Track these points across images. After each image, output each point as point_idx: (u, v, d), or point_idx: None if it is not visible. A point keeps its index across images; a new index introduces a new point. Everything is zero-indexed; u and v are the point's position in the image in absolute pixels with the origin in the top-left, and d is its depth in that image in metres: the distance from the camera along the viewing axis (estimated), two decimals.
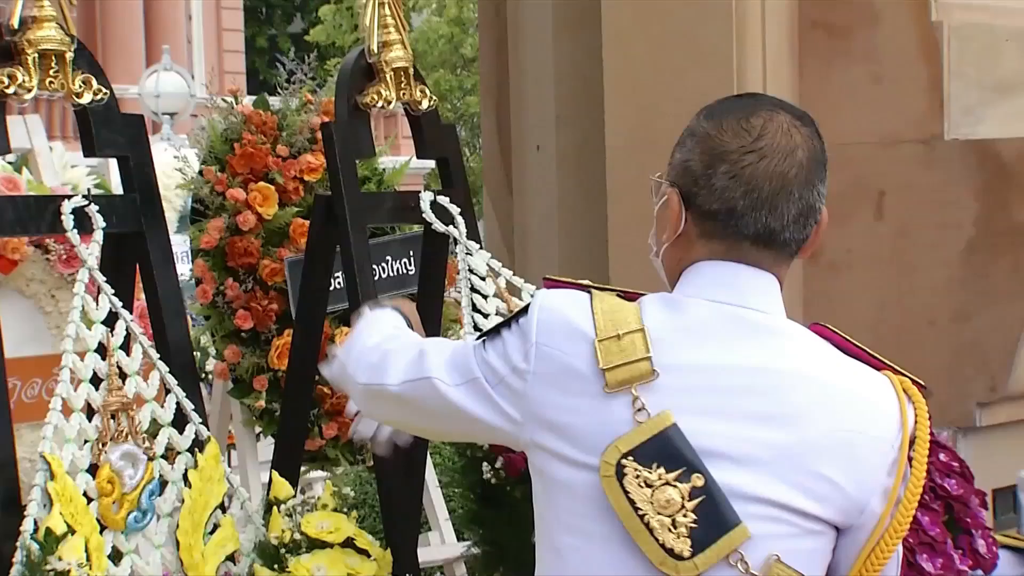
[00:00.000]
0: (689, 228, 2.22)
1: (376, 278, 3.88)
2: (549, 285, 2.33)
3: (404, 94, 3.54)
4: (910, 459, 2.15)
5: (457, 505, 5.50)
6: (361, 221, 3.45)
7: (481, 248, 3.50)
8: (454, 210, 3.51)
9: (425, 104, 3.60)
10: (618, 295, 2.24)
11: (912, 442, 2.16)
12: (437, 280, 3.73)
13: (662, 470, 2.09)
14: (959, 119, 3.52)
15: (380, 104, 3.50)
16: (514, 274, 4.18)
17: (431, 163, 3.84)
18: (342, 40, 23.68)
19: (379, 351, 2.41)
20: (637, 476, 2.10)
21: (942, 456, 2.98)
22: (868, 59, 3.59)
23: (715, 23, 3.58)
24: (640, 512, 2.09)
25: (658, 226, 2.26)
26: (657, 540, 2.08)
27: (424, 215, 3.50)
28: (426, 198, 3.52)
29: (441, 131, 3.69)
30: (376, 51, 3.50)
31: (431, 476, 4.63)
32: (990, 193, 3.45)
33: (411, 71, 3.56)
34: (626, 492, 2.09)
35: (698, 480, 2.08)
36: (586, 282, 2.31)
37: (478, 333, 2.33)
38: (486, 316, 3.40)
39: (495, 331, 2.24)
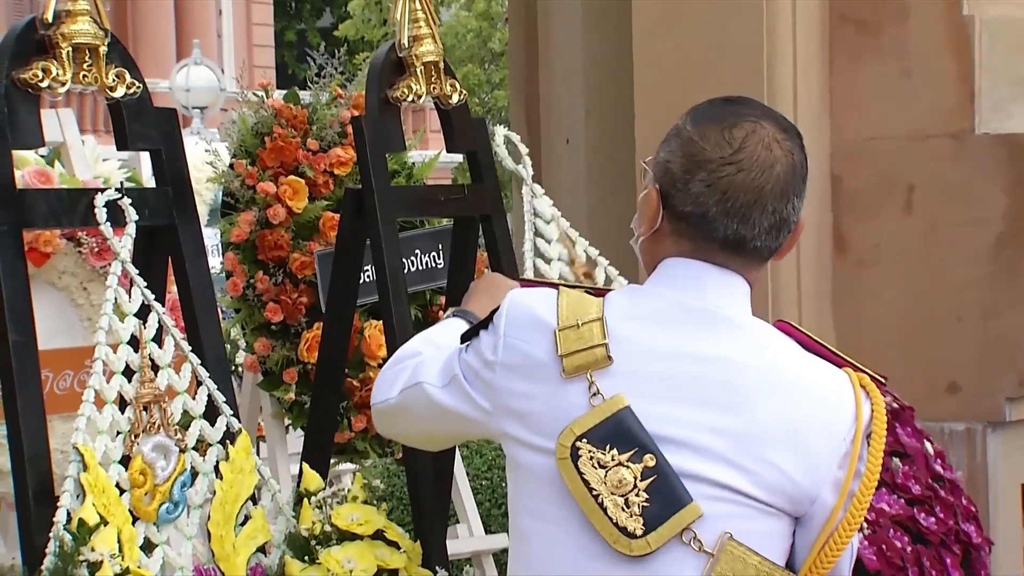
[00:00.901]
0: (663, 225, 2.28)
1: (405, 271, 3.87)
2: (524, 285, 2.43)
3: (434, 88, 3.54)
4: (865, 454, 2.20)
5: (485, 498, 5.51)
6: (391, 214, 3.45)
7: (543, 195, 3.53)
8: (523, 150, 3.50)
9: (455, 98, 3.60)
10: (586, 291, 2.31)
11: (868, 437, 2.20)
12: (467, 271, 3.73)
13: (615, 451, 2.15)
14: (989, 114, 3.50)
15: (411, 98, 3.50)
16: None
17: (459, 157, 3.85)
18: (371, 35, 23.69)
19: (392, 370, 2.49)
20: (591, 457, 2.16)
21: (963, 499, 3.00)
22: (898, 54, 3.58)
23: (745, 17, 3.57)
24: (594, 492, 2.15)
25: (639, 215, 2.32)
26: (611, 519, 2.13)
27: (496, 150, 3.51)
28: (500, 133, 3.52)
29: (471, 125, 3.69)
30: (407, 45, 3.50)
31: (460, 468, 4.63)
32: (1020, 188, 3.43)
33: (441, 65, 3.56)
34: (581, 473, 2.15)
35: (650, 460, 2.14)
36: (558, 281, 2.37)
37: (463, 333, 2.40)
38: (548, 262, 3.40)
39: (475, 332, 2.32)
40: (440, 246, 4.89)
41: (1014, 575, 3.48)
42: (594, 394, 2.18)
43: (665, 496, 2.13)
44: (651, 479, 2.14)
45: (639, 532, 2.13)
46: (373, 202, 3.41)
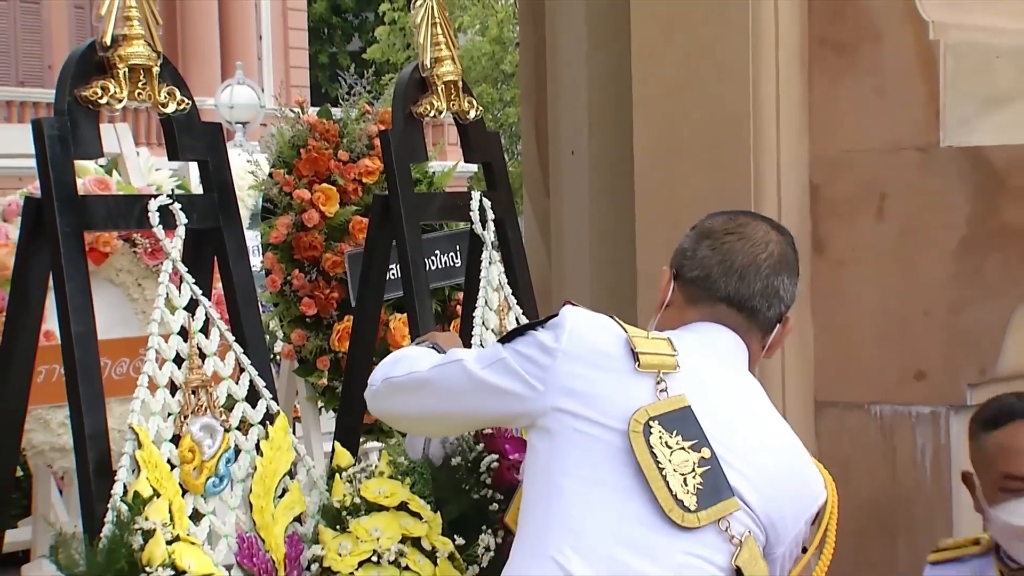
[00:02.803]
0: (676, 297, 2.49)
1: (427, 269, 3.87)
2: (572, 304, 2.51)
3: (453, 105, 3.54)
4: (824, 537, 2.40)
5: None
6: (414, 219, 3.44)
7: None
8: (489, 215, 3.49)
9: (472, 114, 3.59)
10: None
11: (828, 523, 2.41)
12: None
13: (679, 437, 2.28)
14: (954, 128, 3.49)
15: (432, 113, 3.50)
16: (550, 265, 4.18)
17: (474, 167, 3.84)
18: (396, 57, 23.69)
19: (403, 354, 2.62)
20: (660, 437, 2.28)
21: None
22: (872, 74, 3.56)
23: (733, 41, 3.56)
24: (660, 465, 2.26)
25: (657, 301, 2.54)
26: (671, 491, 2.24)
27: (471, 213, 3.49)
28: (476, 198, 3.51)
29: (486, 138, 3.68)
30: (429, 66, 3.49)
31: None
32: (982, 196, 3.42)
33: (460, 84, 3.55)
34: (650, 447, 2.26)
35: (706, 452, 2.27)
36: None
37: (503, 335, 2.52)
38: (487, 328, 3.38)
39: (521, 331, 2.44)
40: (458, 247, 4.90)
41: None
42: (662, 389, 2.31)
43: (715, 484, 2.26)
44: (706, 468, 2.26)
45: (693, 507, 2.24)
46: (398, 207, 3.40)
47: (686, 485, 2.24)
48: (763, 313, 2.43)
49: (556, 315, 2.40)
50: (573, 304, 2.48)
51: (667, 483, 2.23)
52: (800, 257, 2.54)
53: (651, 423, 2.27)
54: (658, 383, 2.31)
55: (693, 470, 2.25)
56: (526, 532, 2.36)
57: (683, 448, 2.26)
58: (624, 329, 2.37)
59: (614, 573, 2.20)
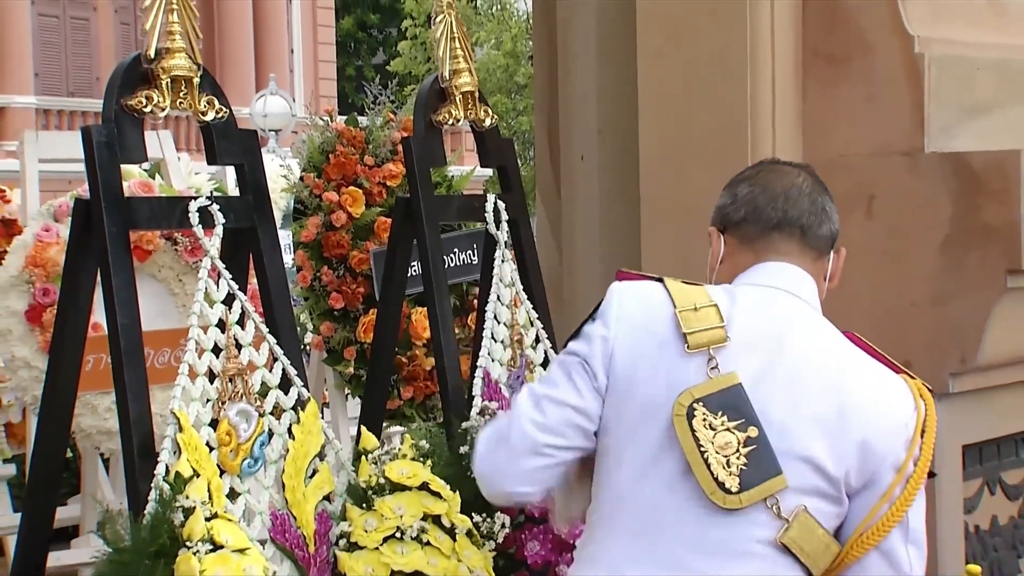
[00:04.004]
0: (729, 249, 2.33)
1: (446, 267, 3.86)
2: (621, 277, 2.33)
3: (470, 113, 3.53)
4: (920, 443, 2.18)
5: None
6: (434, 219, 3.44)
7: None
8: (504, 216, 3.48)
9: (488, 122, 3.59)
10: (683, 282, 2.28)
11: (923, 432, 2.19)
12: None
13: (725, 418, 2.13)
14: (938, 135, 3.47)
15: (451, 121, 3.49)
16: (561, 263, 4.17)
17: (490, 171, 3.83)
18: (417, 70, 23.68)
19: (490, 430, 2.35)
20: (704, 419, 2.13)
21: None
22: (862, 83, 3.55)
23: (732, 52, 3.55)
24: (702, 448, 2.12)
25: (710, 262, 2.38)
26: (712, 473, 2.11)
27: (487, 214, 3.49)
28: (491, 200, 3.50)
29: (501, 144, 3.68)
30: (448, 77, 3.48)
31: None
32: (963, 197, 3.40)
33: (477, 94, 3.54)
34: (693, 430, 2.12)
35: (752, 432, 2.12)
36: (655, 276, 2.33)
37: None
38: (498, 321, 3.36)
39: (576, 332, 2.29)
40: (475, 245, 4.89)
41: (955, 523, 3.45)
42: (713, 368, 2.16)
43: (762, 463, 2.11)
44: (752, 447, 2.12)
45: (735, 489, 2.11)
46: (419, 209, 3.39)
47: (728, 467, 2.11)
48: (815, 231, 2.28)
49: (606, 296, 2.27)
50: (625, 273, 2.34)
51: (708, 466, 2.11)
52: None
53: (695, 405, 2.13)
54: (709, 360, 2.16)
55: (737, 450, 2.11)
56: (592, 535, 2.27)
57: (728, 429, 2.12)
58: (673, 301, 2.21)
59: (673, 572, 2.13)
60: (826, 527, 2.14)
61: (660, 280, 2.28)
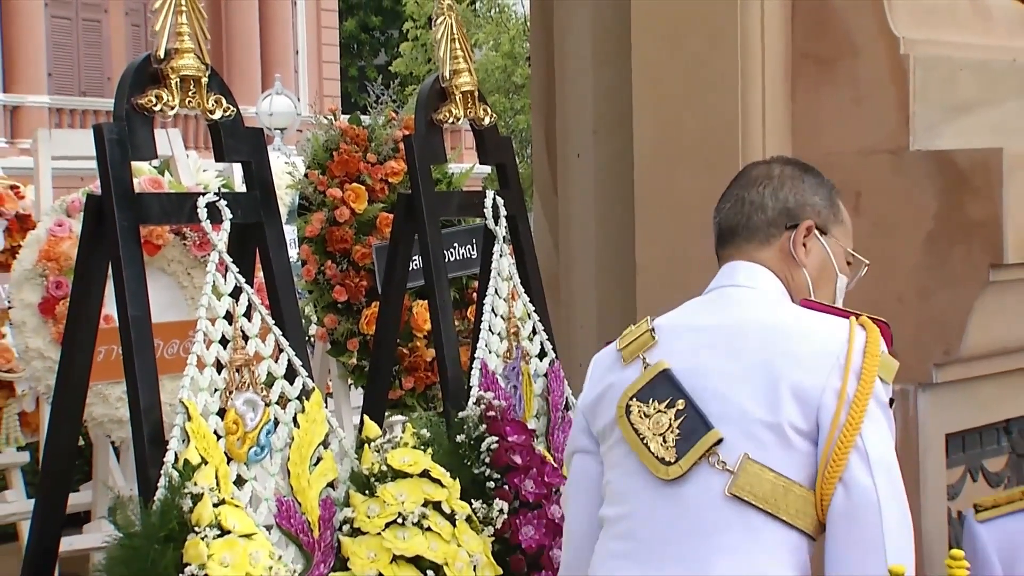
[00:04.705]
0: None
1: (446, 261, 3.86)
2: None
3: (470, 112, 3.53)
4: (860, 363, 2.16)
5: None
6: (435, 215, 3.43)
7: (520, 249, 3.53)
8: (502, 212, 3.48)
9: (487, 120, 3.58)
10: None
11: (864, 354, 2.17)
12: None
13: (655, 403, 2.23)
14: (922, 134, 3.47)
15: (451, 120, 3.49)
16: (558, 258, 4.16)
17: (488, 168, 3.83)
18: (418, 70, 23.66)
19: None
20: (639, 411, 2.24)
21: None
22: (849, 84, 3.54)
23: (723, 55, 3.54)
24: (641, 436, 2.22)
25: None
26: (653, 454, 2.20)
27: (486, 210, 3.49)
28: (490, 196, 3.50)
29: (500, 142, 3.67)
30: (448, 77, 3.48)
31: None
32: (947, 194, 3.40)
33: (476, 93, 3.54)
34: (632, 424, 2.24)
35: (680, 404, 2.21)
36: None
37: None
38: (496, 314, 3.36)
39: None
40: (474, 240, 4.89)
41: (939, 508, 3.45)
42: (645, 366, 2.28)
43: (692, 427, 2.18)
44: (682, 418, 2.20)
45: (672, 459, 2.18)
46: (420, 205, 3.39)
47: (665, 443, 2.19)
48: (745, 224, 2.36)
49: None
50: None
51: (648, 448, 2.20)
52: None
53: (630, 403, 2.25)
54: (642, 362, 2.28)
55: (670, 426, 2.20)
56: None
57: (659, 411, 2.22)
58: (619, 339, 2.37)
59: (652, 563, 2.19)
60: (781, 471, 2.14)
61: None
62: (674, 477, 2.16)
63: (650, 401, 2.23)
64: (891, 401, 2.19)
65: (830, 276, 2.38)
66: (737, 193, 2.38)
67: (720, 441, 2.15)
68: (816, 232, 2.35)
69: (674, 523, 2.18)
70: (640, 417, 2.23)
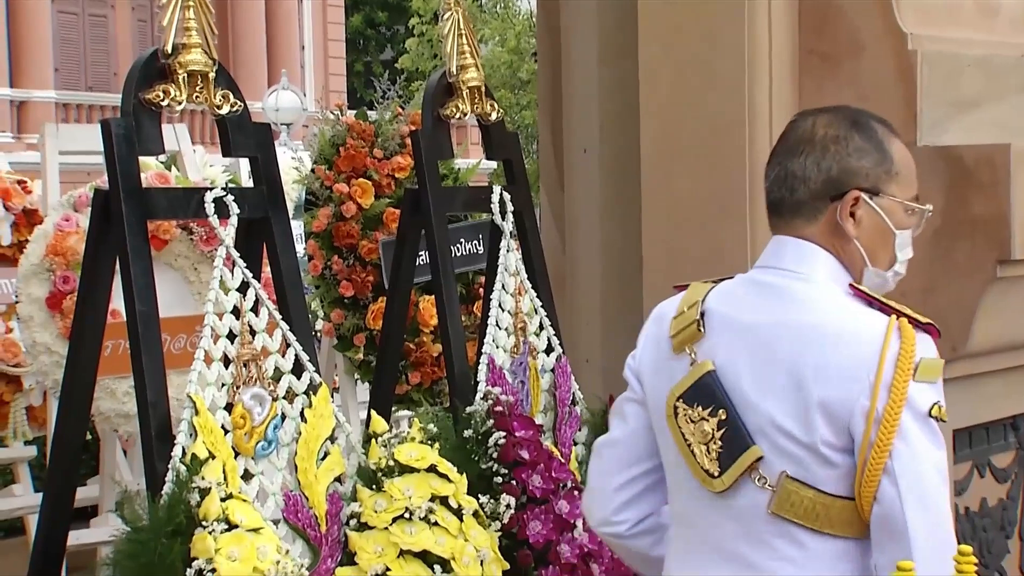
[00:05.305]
0: None
1: (452, 256, 3.86)
2: (678, 289, 2.32)
3: (477, 107, 3.52)
4: (890, 381, 2.03)
5: None
6: (441, 210, 3.43)
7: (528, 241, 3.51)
8: (509, 208, 3.48)
9: (494, 116, 3.57)
10: (707, 281, 2.27)
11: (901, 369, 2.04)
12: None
13: (700, 408, 2.13)
14: (929, 130, 3.46)
15: (458, 115, 3.48)
16: (564, 253, 4.16)
17: (494, 164, 3.83)
18: (424, 66, 23.63)
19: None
20: (685, 414, 2.15)
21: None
22: (855, 81, 3.54)
23: (730, 52, 3.54)
24: (688, 442, 2.14)
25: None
26: (699, 463, 2.12)
27: (492, 205, 3.48)
28: (497, 192, 3.50)
29: (507, 137, 3.67)
30: (455, 72, 3.47)
31: None
32: (953, 190, 3.39)
33: (483, 89, 3.53)
34: (679, 428, 2.15)
35: (722, 414, 2.10)
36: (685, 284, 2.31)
37: None
38: (503, 310, 3.36)
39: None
40: (480, 236, 4.88)
41: None
42: (692, 362, 2.17)
43: (734, 442, 2.09)
44: (724, 429, 2.10)
45: (716, 472, 2.11)
46: (427, 200, 3.39)
47: (709, 453, 2.11)
48: (788, 199, 2.18)
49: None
50: (678, 287, 2.31)
51: (694, 456, 2.13)
52: None
53: (676, 404, 2.16)
54: (690, 357, 2.17)
55: (713, 436, 2.11)
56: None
57: (703, 418, 2.12)
58: (677, 307, 2.23)
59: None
60: (821, 488, 2.06)
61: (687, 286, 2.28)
62: (719, 491, 2.11)
63: (695, 406, 2.14)
64: (935, 406, 2.06)
65: (886, 238, 2.20)
66: (780, 161, 2.20)
67: (761, 458, 2.07)
68: (865, 197, 2.17)
69: (726, 527, 2.13)
70: (686, 422, 2.15)
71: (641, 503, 2.31)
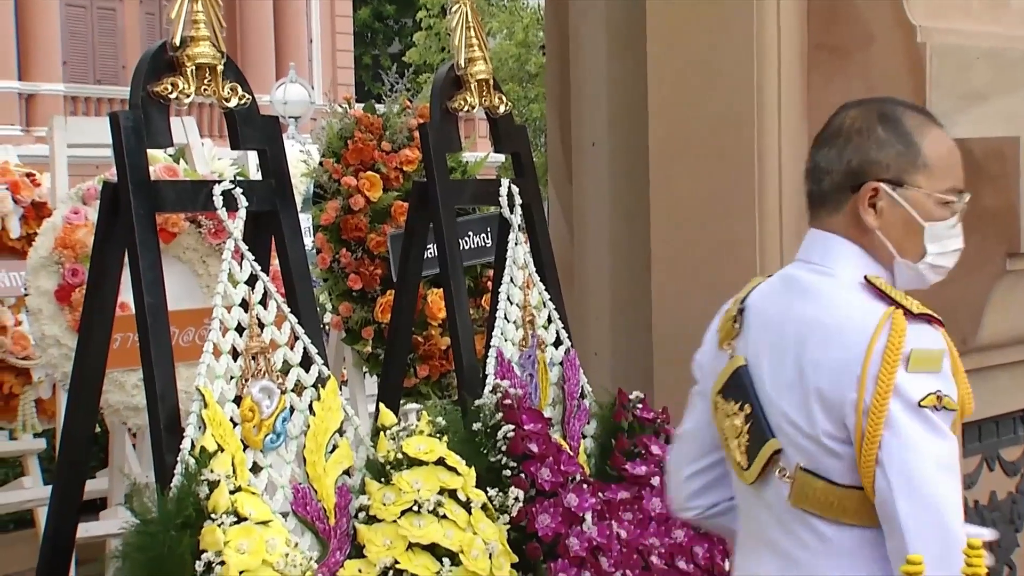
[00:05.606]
0: None
1: (460, 249, 3.86)
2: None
3: (485, 100, 3.52)
4: (876, 372, 2.04)
5: None
6: (450, 203, 3.42)
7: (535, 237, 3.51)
8: (517, 201, 3.47)
9: (502, 108, 3.57)
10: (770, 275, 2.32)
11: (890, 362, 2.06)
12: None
13: (733, 402, 2.18)
14: None
15: (466, 108, 3.48)
16: (572, 246, 4.15)
17: (501, 157, 3.82)
18: (432, 59, 23.65)
19: None
20: (723, 409, 2.21)
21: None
22: (863, 74, 3.52)
23: (739, 44, 3.53)
24: (725, 437, 2.20)
25: None
26: (734, 456, 2.19)
27: (501, 198, 3.48)
28: (505, 185, 3.49)
29: (515, 130, 3.66)
30: (463, 65, 3.47)
31: None
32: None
33: (491, 82, 3.53)
34: (720, 423, 2.22)
35: (748, 408, 2.16)
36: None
37: None
38: (512, 303, 3.35)
39: None
40: (488, 228, 4.88)
41: None
42: (730, 357, 2.22)
43: (757, 435, 2.14)
44: (750, 423, 2.15)
45: (746, 465, 2.16)
46: (435, 193, 3.38)
47: (740, 447, 2.16)
48: (816, 190, 2.21)
49: None
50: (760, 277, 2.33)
51: (730, 451, 2.19)
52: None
53: (717, 399, 2.22)
54: (730, 353, 2.22)
55: (742, 430, 2.15)
56: None
57: (735, 412, 2.17)
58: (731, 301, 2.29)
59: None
60: (832, 479, 2.08)
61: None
62: (750, 483, 2.17)
63: (729, 400, 2.19)
64: (930, 396, 2.04)
65: (913, 230, 2.19)
66: (813, 154, 2.24)
67: (780, 451, 2.12)
68: (886, 188, 2.17)
69: (762, 517, 2.19)
70: (723, 416, 2.21)
71: (710, 492, 2.37)
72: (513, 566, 2.87)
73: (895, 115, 2.21)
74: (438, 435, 2.91)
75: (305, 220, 6.37)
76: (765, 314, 2.20)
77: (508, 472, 2.97)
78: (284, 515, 2.67)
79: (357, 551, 2.75)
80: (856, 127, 2.19)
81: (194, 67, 2.80)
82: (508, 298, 3.34)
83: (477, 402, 3.12)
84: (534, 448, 2.99)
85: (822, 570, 2.09)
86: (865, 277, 2.15)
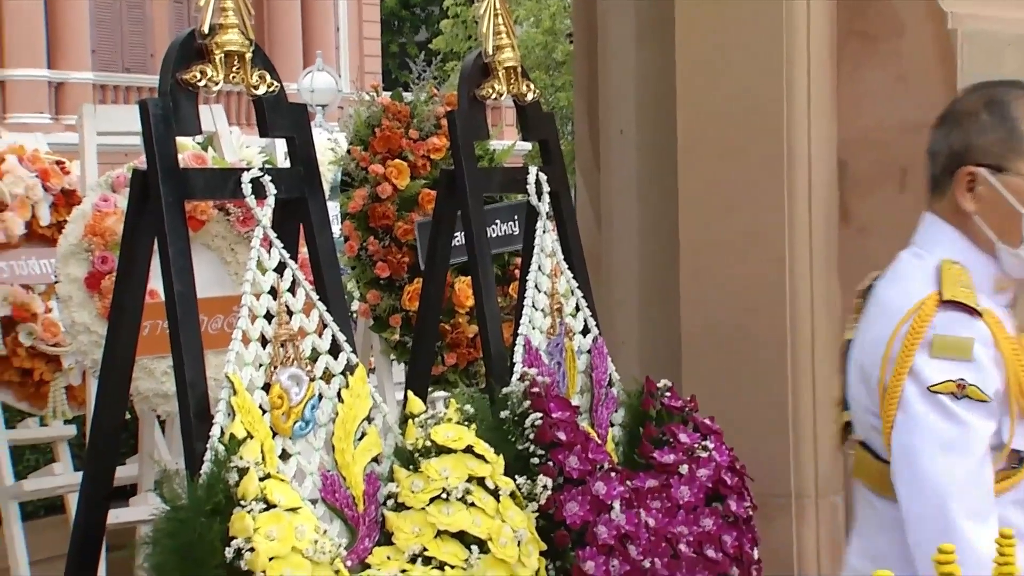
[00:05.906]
0: None
1: (488, 237, 3.85)
2: None
3: (513, 88, 3.50)
4: (896, 355, 2.16)
5: None
6: (478, 191, 3.42)
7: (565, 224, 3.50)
8: (545, 189, 3.46)
9: (530, 96, 3.56)
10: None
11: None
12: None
13: (841, 374, 2.37)
14: None
15: (493, 96, 3.46)
16: (600, 234, 4.15)
17: (528, 145, 3.81)
18: (459, 47, 23.63)
19: None
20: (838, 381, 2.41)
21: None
22: (894, 61, 3.51)
23: (768, 32, 3.51)
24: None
25: None
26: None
27: (528, 186, 3.46)
28: (532, 172, 3.48)
29: (543, 118, 3.65)
30: (491, 52, 3.45)
31: None
32: None
33: (519, 69, 3.52)
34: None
35: (841, 382, 2.37)
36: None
37: None
38: (540, 291, 3.34)
39: None
40: (516, 216, 4.88)
41: None
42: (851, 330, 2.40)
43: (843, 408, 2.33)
44: (844, 396, 2.35)
45: (843, 438, 2.38)
46: (463, 181, 3.37)
47: (840, 419, 2.33)
48: (928, 174, 2.32)
49: None
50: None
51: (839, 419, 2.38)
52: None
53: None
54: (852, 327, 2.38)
55: (838, 400, 2.35)
56: None
57: (838, 385, 2.36)
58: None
59: None
60: (879, 453, 2.22)
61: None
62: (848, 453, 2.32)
63: (840, 372, 2.36)
64: (953, 383, 2.06)
65: (1012, 216, 2.18)
66: (930, 135, 2.33)
67: (849, 423, 2.28)
68: (985, 173, 2.18)
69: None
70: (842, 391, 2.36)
71: None
72: (541, 554, 2.87)
73: (1004, 101, 2.21)
74: (466, 423, 2.91)
75: (333, 208, 6.39)
76: (872, 292, 2.32)
77: (536, 460, 2.97)
78: (313, 502, 2.67)
79: (386, 538, 2.75)
80: (965, 110, 2.23)
81: (222, 55, 2.80)
82: (536, 286, 3.33)
83: (505, 390, 3.11)
84: (562, 436, 2.99)
85: (876, 540, 2.14)
86: (942, 261, 2.17)
